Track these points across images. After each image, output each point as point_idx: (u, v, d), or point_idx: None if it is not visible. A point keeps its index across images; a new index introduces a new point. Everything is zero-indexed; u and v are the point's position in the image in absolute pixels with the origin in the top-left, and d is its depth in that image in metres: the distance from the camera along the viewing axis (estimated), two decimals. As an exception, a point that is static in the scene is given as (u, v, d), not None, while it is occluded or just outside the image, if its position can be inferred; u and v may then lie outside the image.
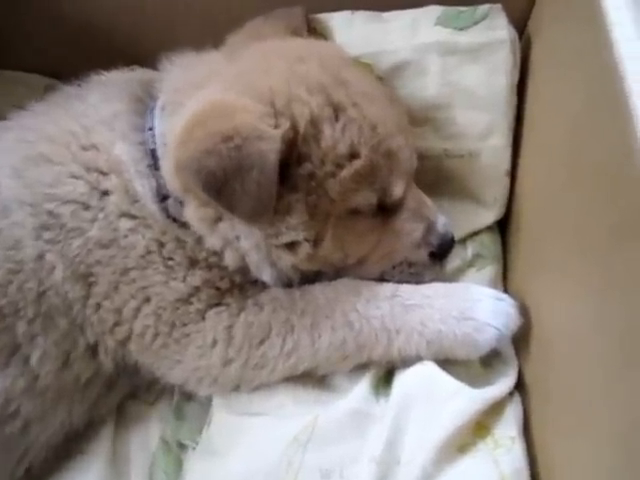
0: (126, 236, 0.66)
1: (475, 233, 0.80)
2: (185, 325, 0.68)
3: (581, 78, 0.60)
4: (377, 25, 0.80)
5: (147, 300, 0.67)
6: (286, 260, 0.66)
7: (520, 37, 0.80)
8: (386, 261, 0.70)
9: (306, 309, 0.68)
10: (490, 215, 0.80)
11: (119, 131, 0.68)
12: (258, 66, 0.65)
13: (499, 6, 0.78)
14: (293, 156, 0.62)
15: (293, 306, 0.68)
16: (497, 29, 0.77)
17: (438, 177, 0.80)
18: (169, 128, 0.65)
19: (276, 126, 0.60)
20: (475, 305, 0.67)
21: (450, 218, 0.73)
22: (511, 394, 0.68)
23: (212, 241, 0.67)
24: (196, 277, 0.67)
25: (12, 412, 0.65)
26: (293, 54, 0.66)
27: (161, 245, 0.67)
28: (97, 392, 0.72)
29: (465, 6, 0.78)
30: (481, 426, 0.63)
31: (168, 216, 0.67)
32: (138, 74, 0.77)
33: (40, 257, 0.65)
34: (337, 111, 0.63)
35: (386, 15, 0.80)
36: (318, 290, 0.69)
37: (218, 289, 0.69)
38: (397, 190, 0.67)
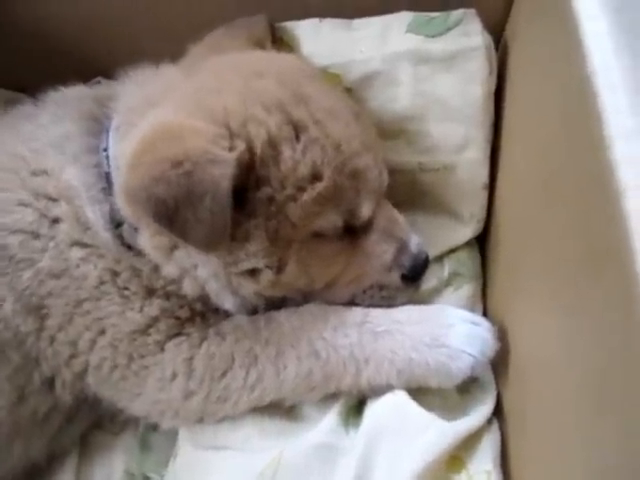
0: (78, 266, 0.63)
1: (452, 250, 0.76)
2: (143, 357, 0.65)
3: (557, 86, 0.56)
4: (346, 33, 0.76)
5: (102, 332, 0.64)
6: (248, 288, 0.63)
7: (497, 42, 0.76)
8: (355, 285, 0.67)
9: (270, 338, 0.64)
10: (467, 231, 0.76)
11: (70, 154, 0.65)
12: (212, 83, 0.61)
13: (473, 11, 0.73)
14: (251, 180, 0.58)
15: (257, 335, 0.65)
16: (471, 35, 0.73)
17: (412, 192, 0.76)
18: (121, 151, 0.62)
19: (231, 148, 0.56)
20: (449, 331, 0.63)
21: (426, 235, 0.69)
22: (489, 422, 0.65)
23: (168, 270, 0.63)
24: (153, 307, 0.64)
25: None
26: (250, 69, 0.62)
27: (115, 274, 0.64)
28: (57, 425, 0.70)
29: (438, 11, 0.74)
30: (455, 459, 0.60)
31: (122, 243, 0.64)
32: (95, 90, 0.73)
33: None
34: (297, 130, 0.59)
35: (356, 22, 0.76)
36: (283, 317, 0.66)
37: (178, 318, 0.66)
38: (365, 211, 0.63)
